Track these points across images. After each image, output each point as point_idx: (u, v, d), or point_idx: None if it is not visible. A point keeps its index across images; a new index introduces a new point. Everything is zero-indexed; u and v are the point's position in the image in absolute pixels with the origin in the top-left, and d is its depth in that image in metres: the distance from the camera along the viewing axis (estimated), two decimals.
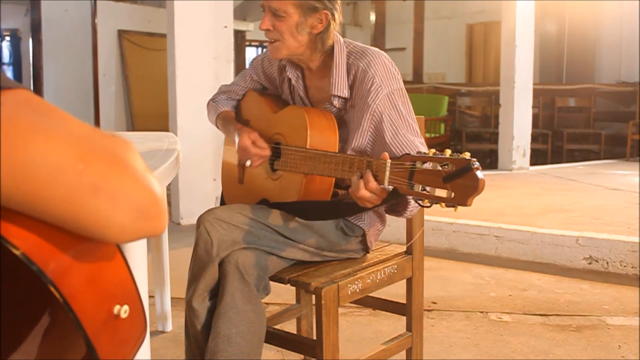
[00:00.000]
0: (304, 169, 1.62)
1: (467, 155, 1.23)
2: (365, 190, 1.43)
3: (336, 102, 1.71)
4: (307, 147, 1.63)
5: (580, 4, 9.33)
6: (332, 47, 1.70)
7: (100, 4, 7.49)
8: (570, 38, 9.95)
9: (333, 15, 1.64)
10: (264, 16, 1.65)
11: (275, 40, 1.66)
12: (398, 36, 11.05)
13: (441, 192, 1.24)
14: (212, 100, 1.99)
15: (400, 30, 11.02)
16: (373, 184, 1.41)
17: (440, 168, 1.24)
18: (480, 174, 1.20)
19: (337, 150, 1.67)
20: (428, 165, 1.27)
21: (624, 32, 9.27)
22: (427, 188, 1.27)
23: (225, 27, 4.77)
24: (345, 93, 1.69)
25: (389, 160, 1.37)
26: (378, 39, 9.83)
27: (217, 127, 1.96)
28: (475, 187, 1.19)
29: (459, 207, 1.24)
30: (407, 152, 1.62)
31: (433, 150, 1.30)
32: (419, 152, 1.33)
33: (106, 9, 7.67)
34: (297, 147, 1.65)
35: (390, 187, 1.39)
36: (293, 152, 1.66)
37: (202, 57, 4.64)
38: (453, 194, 1.22)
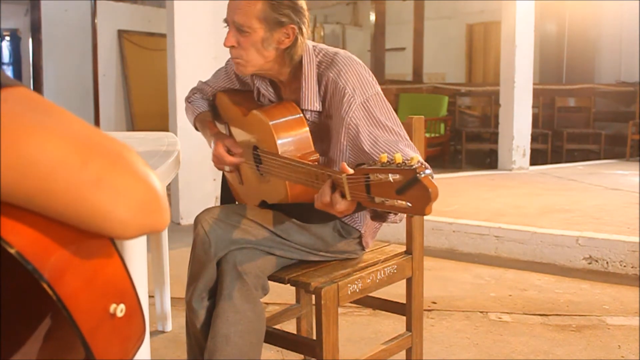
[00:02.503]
0: (282, 176, 1.59)
1: (414, 160, 1.14)
2: (332, 210, 1.35)
3: (309, 116, 1.64)
4: (279, 152, 1.58)
5: (580, 4, 9.33)
6: (301, 58, 1.63)
7: (100, 4, 7.49)
8: (570, 38, 9.94)
9: (300, 29, 1.57)
10: (228, 32, 1.59)
11: (240, 58, 1.59)
12: (398, 36, 11.04)
13: (401, 203, 1.16)
14: (188, 100, 1.95)
15: (400, 30, 11.01)
16: (340, 204, 1.32)
17: (391, 179, 1.16)
18: (430, 181, 1.12)
19: (311, 142, 1.61)
20: (381, 177, 1.18)
21: (624, 32, 9.26)
22: (387, 199, 1.19)
23: (226, 27, 4.76)
24: (317, 106, 1.63)
25: (344, 175, 1.29)
26: (378, 39, 9.82)
27: (197, 130, 1.93)
28: (427, 196, 1.11)
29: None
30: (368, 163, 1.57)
31: (385, 156, 1.21)
32: (369, 164, 1.23)
33: (106, 9, 7.67)
34: (271, 155, 1.61)
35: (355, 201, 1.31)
36: (270, 159, 1.63)
37: (202, 57, 4.64)
38: (410, 205, 1.14)
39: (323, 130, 1.66)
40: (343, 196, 1.31)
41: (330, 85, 1.60)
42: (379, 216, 1.55)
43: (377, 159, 1.52)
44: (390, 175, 1.16)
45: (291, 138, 1.60)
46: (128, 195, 0.54)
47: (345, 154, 1.63)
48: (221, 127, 1.91)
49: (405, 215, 1.60)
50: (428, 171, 1.13)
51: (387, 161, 1.20)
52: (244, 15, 1.55)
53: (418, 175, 1.12)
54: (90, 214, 0.53)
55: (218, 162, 1.73)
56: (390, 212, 1.47)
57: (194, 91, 1.97)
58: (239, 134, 1.80)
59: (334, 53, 1.65)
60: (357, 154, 1.59)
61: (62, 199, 0.52)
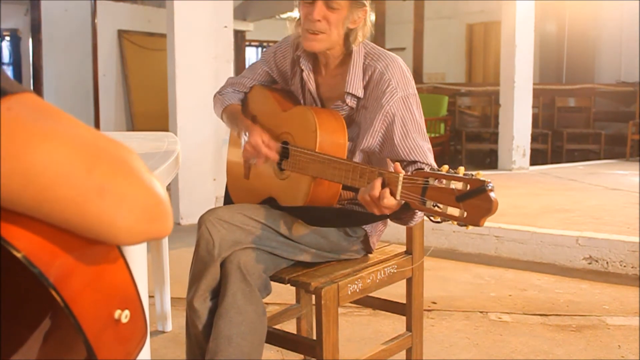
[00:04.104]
0: (313, 172, 1.61)
1: (480, 175, 1.22)
2: (376, 207, 1.41)
3: (349, 101, 1.71)
4: (317, 150, 1.62)
5: (580, 4, 9.33)
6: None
7: (100, 4, 7.49)
8: (570, 38, 9.94)
9: (369, 14, 1.69)
10: (316, 5, 1.63)
11: (321, 33, 1.65)
12: (398, 36, 11.05)
13: (453, 210, 1.23)
14: (219, 93, 1.97)
15: (400, 30, 11.02)
16: (389, 200, 1.38)
17: (453, 186, 1.23)
18: (493, 195, 1.19)
19: (346, 152, 1.66)
20: (441, 182, 1.26)
21: (624, 32, 9.26)
22: (440, 205, 1.26)
23: (225, 27, 4.77)
24: (360, 92, 1.69)
25: (401, 174, 1.36)
26: (378, 39, 9.81)
27: (223, 121, 1.95)
28: (488, 208, 1.19)
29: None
30: (415, 158, 1.63)
31: (446, 167, 1.29)
32: (432, 169, 1.32)
33: (106, 9, 7.67)
34: (306, 150, 1.64)
35: (402, 201, 1.38)
36: (302, 154, 1.65)
37: (202, 57, 4.64)
38: (465, 214, 1.21)
39: (356, 118, 1.73)
40: (391, 194, 1.38)
41: (376, 75, 1.67)
42: (400, 218, 1.61)
43: (401, 152, 1.62)
44: (451, 182, 1.23)
45: (330, 140, 1.65)
46: (132, 203, 0.54)
47: (376, 140, 1.68)
48: None
49: (420, 219, 1.65)
50: (492, 185, 1.20)
51: (452, 170, 1.27)
52: None
53: (486, 186, 1.19)
54: (93, 222, 0.53)
55: (253, 151, 1.70)
56: (415, 216, 1.57)
57: (225, 86, 1.98)
58: (270, 128, 1.80)
59: (381, 49, 1.74)
60: (384, 143, 1.67)
61: (66, 206, 0.52)
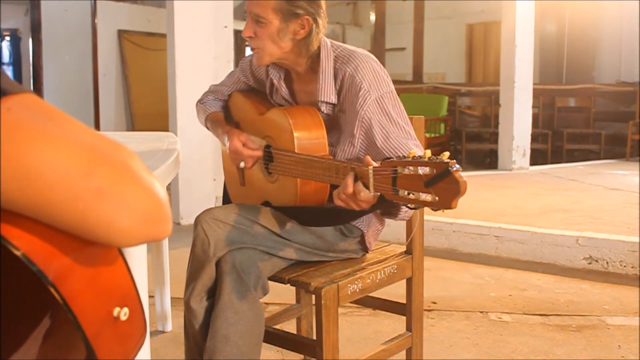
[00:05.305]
0: (295, 173, 1.61)
1: (445, 156, 1.19)
2: (353, 203, 1.40)
3: (324, 108, 1.68)
4: (295, 149, 1.61)
5: (580, 4, 9.33)
6: (319, 51, 1.67)
7: (100, 4, 7.49)
8: (570, 38, 9.95)
9: (315, 20, 1.61)
10: (247, 23, 1.63)
11: (257, 48, 1.64)
12: (398, 36, 11.04)
13: (426, 196, 1.20)
14: (200, 101, 1.97)
15: (400, 30, 11.02)
16: (362, 194, 1.36)
17: (421, 172, 1.20)
18: (460, 175, 1.16)
19: (326, 146, 1.65)
20: (410, 170, 1.23)
21: (624, 32, 9.26)
22: (413, 192, 1.24)
23: (225, 27, 4.77)
24: (333, 99, 1.67)
25: (371, 167, 1.33)
26: (378, 39, 9.82)
27: (207, 129, 1.95)
28: (457, 190, 1.16)
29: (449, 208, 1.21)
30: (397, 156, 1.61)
31: (413, 152, 1.25)
32: (398, 157, 1.29)
33: (106, 9, 7.67)
34: (286, 151, 1.64)
35: (377, 194, 1.36)
36: (283, 156, 1.65)
37: (202, 57, 4.64)
38: (437, 198, 1.18)
39: (335, 123, 1.70)
40: (366, 188, 1.36)
41: (347, 79, 1.64)
42: (389, 213, 1.60)
43: (387, 154, 1.58)
44: (419, 168, 1.20)
45: (308, 138, 1.63)
46: (131, 205, 0.54)
47: (357, 147, 1.66)
48: None
49: (412, 212, 1.63)
50: (458, 166, 1.17)
51: (418, 155, 1.23)
52: (260, 6, 1.59)
53: (450, 168, 1.16)
54: (91, 224, 0.53)
55: (235, 156, 1.74)
56: (402, 208, 1.53)
57: (206, 94, 1.99)
58: (252, 133, 1.80)
59: (352, 50, 1.69)
60: (369, 147, 1.64)
61: (65, 209, 0.52)
